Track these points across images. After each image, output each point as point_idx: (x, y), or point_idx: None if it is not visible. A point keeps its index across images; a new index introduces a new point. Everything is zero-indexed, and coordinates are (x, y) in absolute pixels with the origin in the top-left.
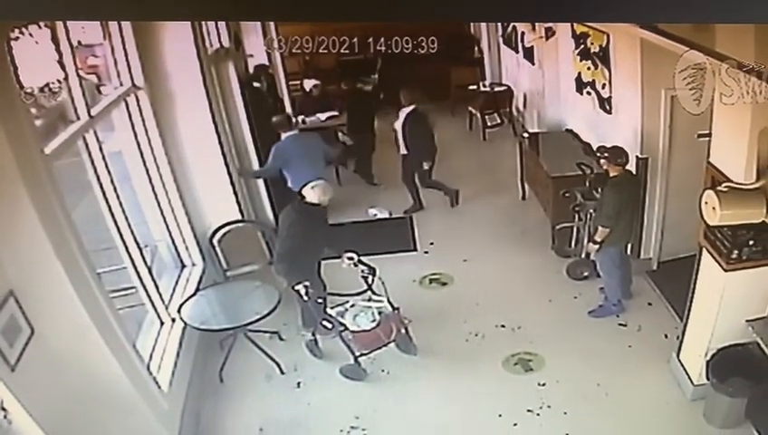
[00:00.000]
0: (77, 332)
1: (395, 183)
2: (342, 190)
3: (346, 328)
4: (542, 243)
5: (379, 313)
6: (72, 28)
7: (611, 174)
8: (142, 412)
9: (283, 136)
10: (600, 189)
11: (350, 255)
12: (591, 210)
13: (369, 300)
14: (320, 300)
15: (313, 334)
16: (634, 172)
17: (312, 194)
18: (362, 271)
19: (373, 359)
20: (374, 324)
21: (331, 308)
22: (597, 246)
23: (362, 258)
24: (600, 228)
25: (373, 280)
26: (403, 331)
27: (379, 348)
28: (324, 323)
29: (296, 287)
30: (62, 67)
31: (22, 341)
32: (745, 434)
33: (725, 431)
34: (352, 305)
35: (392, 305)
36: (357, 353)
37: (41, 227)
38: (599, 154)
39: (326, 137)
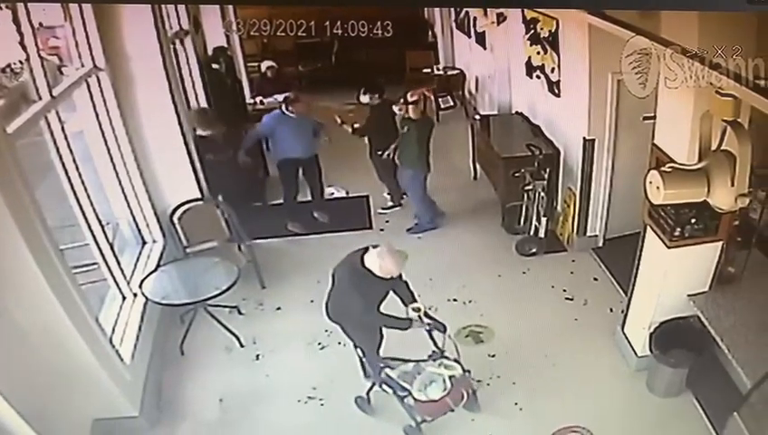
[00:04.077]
0: (41, 307)
1: (352, 164)
2: None
3: (409, 394)
4: (493, 221)
5: (451, 378)
6: (32, 10)
7: (413, 117)
8: (105, 384)
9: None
10: (546, 170)
11: (416, 305)
12: (540, 190)
13: (440, 365)
14: (381, 364)
15: (368, 393)
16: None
17: (375, 263)
18: (428, 325)
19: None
20: (445, 393)
21: (392, 370)
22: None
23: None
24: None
25: (444, 340)
26: (471, 393)
27: (445, 413)
28: (383, 388)
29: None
30: (24, 48)
31: None
32: (686, 402)
33: (667, 400)
34: (421, 371)
35: (463, 368)
36: (419, 420)
37: (4, 205)
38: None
39: None
